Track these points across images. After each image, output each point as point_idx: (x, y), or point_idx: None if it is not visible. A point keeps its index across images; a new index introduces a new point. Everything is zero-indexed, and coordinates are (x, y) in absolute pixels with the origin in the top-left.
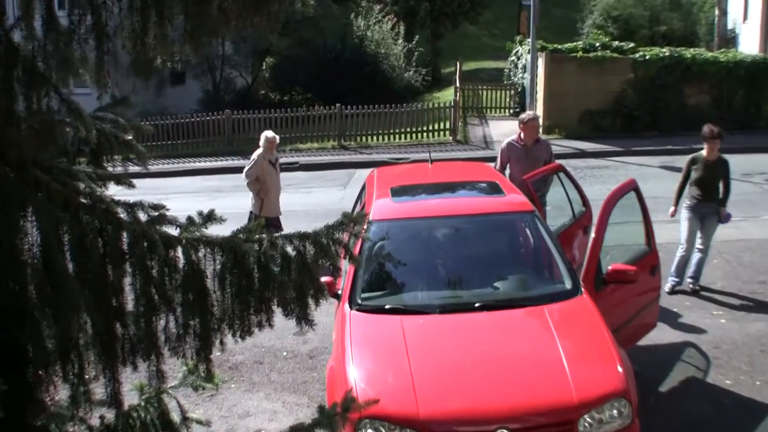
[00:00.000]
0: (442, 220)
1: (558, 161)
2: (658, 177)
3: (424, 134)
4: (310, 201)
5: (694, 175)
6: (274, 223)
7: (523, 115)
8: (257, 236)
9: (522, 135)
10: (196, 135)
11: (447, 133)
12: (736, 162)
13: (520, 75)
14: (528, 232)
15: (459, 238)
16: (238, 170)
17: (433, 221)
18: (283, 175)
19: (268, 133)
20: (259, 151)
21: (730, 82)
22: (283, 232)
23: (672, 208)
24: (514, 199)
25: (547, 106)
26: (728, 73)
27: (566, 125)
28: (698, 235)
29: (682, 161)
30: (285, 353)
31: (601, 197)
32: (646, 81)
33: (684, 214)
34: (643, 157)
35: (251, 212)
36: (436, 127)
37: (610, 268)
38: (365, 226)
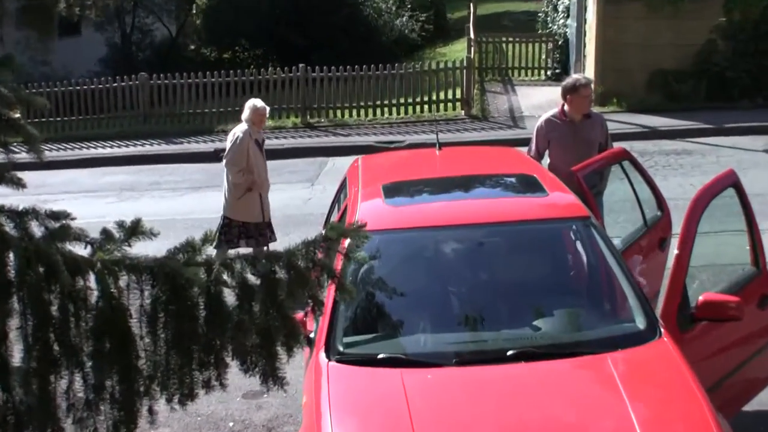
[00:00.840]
0: (456, 231)
1: (618, 145)
2: (764, 165)
3: (425, 107)
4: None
5: None
6: (261, 233)
7: (569, 80)
8: (204, 257)
9: (567, 107)
10: (96, 109)
11: (457, 105)
12: None
13: (561, 21)
14: (581, 247)
15: (482, 257)
16: (158, 159)
17: (445, 232)
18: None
19: (257, 102)
20: (243, 127)
21: None
22: (266, 248)
23: None
24: (560, 199)
25: (601, 65)
26: None
27: (628, 93)
28: None
29: None
30: (232, 424)
31: (681, 196)
32: (746, 27)
33: None
34: (740, 137)
35: (224, 217)
36: (442, 96)
37: (701, 298)
38: (353, 242)
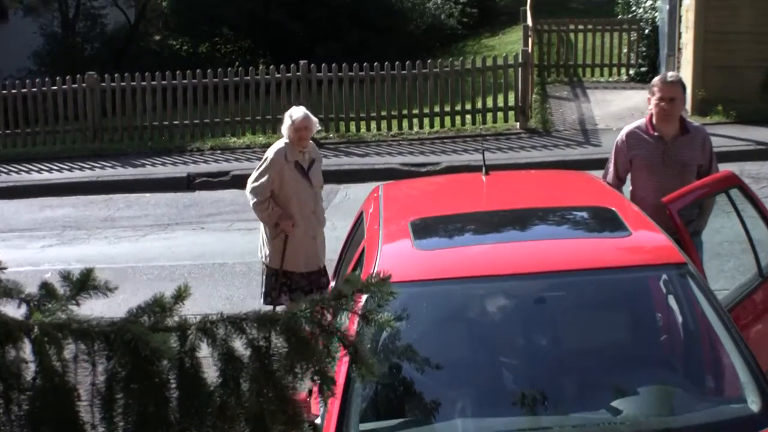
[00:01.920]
0: (508, 283)
1: (725, 167)
2: None
3: (468, 117)
4: (252, 247)
5: None
6: (308, 285)
7: (657, 79)
8: (177, 320)
9: (655, 117)
10: (30, 120)
11: (510, 115)
12: None
13: (649, 3)
14: (674, 303)
15: (542, 317)
16: (111, 187)
17: (492, 284)
18: (206, 199)
19: (294, 112)
20: (279, 145)
21: None
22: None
23: None
24: (646, 240)
25: (702, 62)
26: None
27: (738, 98)
28: None
29: None
30: None
31: None
32: None
33: None
34: None
35: (266, 266)
36: (490, 104)
37: None
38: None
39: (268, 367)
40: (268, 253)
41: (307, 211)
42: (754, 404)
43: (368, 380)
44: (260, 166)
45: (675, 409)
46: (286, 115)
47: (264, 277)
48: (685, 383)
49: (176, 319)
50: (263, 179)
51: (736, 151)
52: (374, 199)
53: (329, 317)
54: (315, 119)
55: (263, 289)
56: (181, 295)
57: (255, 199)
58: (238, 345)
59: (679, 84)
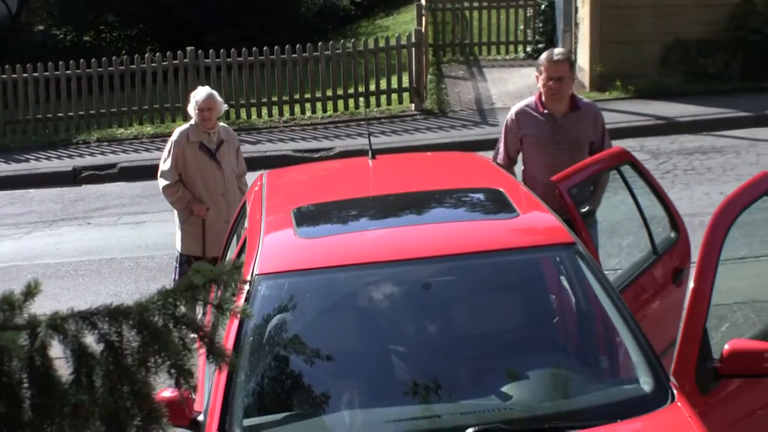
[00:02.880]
0: (395, 269)
1: (618, 144)
2: None
3: (361, 101)
4: (140, 242)
5: None
6: None
7: (543, 57)
8: (25, 317)
9: (544, 96)
10: None
11: (405, 96)
12: None
13: None
14: (565, 285)
15: (432, 303)
16: None
17: (379, 271)
18: (92, 193)
19: (198, 93)
20: (183, 127)
21: None
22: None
23: None
24: (534, 220)
25: (599, 36)
26: None
27: (637, 73)
28: None
29: None
30: None
31: (709, 210)
32: None
33: None
34: None
35: (180, 254)
36: (384, 86)
37: (726, 347)
38: (243, 289)
39: (121, 362)
40: (179, 239)
41: (217, 194)
42: (646, 384)
43: (251, 373)
44: (165, 151)
45: (567, 392)
46: (193, 94)
47: (176, 264)
48: (577, 365)
49: (26, 316)
50: (169, 162)
51: (636, 126)
52: (257, 188)
53: (182, 309)
54: (220, 100)
55: (175, 276)
56: (31, 292)
57: (164, 183)
58: (92, 341)
59: (567, 62)
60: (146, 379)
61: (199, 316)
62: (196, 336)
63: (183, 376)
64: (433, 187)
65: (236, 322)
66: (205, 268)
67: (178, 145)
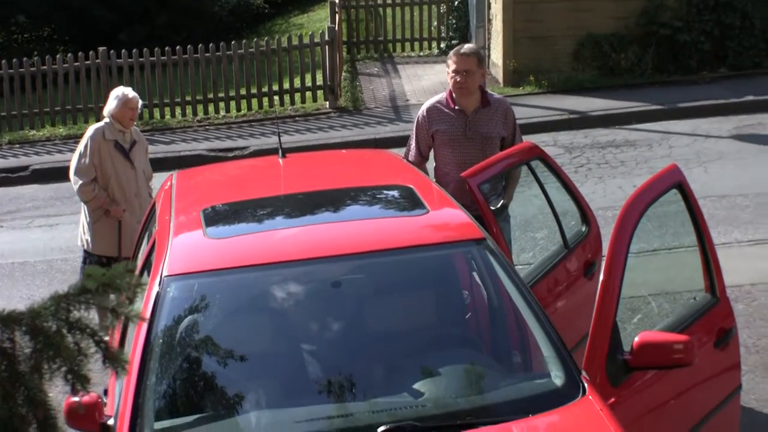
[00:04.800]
0: (308, 268)
1: (532, 139)
2: (733, 156)
3: (276, 99)
4: (54, 244)
5: None
6: None
7: (452, 51)
8: None
9: (453, 90)
10: None
11: (319, 94)
12: None
13: None
14: (476, 280)
15: (343, 302)
16: None
17: (289, 270)
18: (4, 195)
19: (126, 91)
20: (98, 125)
21: None
22: None
23: None
24: (443, 217)
25: (512, 32)
26: None
27: (550, 67)
28: None
29: None
30: None
31: (622, 205)
32: None
33: None
34: (700, 120)
35: (85, 251)
36: (298, 84)
37: (636, 340)
38: (138, 292)
39: (14, 369)
40: (89, 239)
41: (130, 193)
42: (558, 378)
43: (162, 375)
44: (79, 149)
45: (480, 387)
46: (117, 93)
47: (85, 265)
48: (489, 361)
49: None
50: (85, 160)
51: (550, 121)
52: (167, 189)
53: (81, 313)
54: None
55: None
56: None
57: (80, 181)
58: None
59: (475, 56)
60: (41, 385)
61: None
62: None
63: (79, 381)
64: (343, 185)
65: (145, 325)
66: (98, 272)
67: (94, 142)
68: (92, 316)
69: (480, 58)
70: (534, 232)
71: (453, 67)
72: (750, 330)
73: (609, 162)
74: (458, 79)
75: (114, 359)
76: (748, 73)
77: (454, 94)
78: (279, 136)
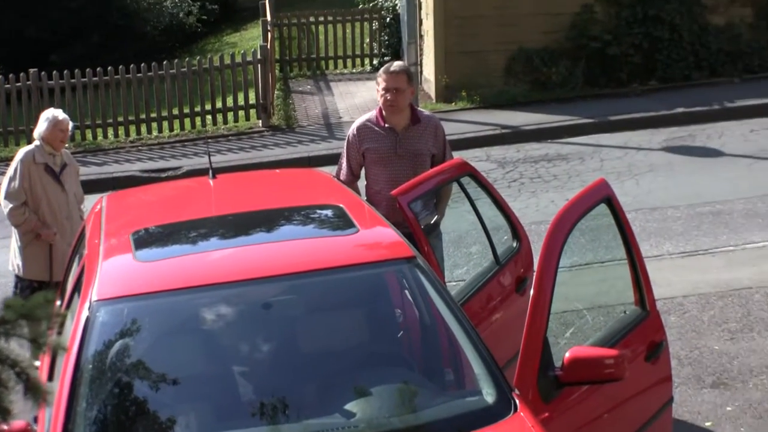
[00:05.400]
0: (238, 290)
1: (465, 154)
2: (664, 168)
3: (209, 118)
4: None
5: None
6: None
7: (382, 69)
8: None
9: (383, 108)
10: None
11: (252, 113)
12: None
13: None
14: (407, 299)
15: (274, 323)
16: None
17: (222, 293)
18: None
19: (57, 113)
20: (28, 148)
21: None
22: None
23: None
24: (373, 236)
25: (444, 47)
26: None
27: (482, 83)
28: None
29: (707, 135)
30: None
31: (550, 220)
32: None
33: None
34: (631, 133)
35: (16, 276)
36: (231, 103)
37: (567, 355)
38: (58, 322)
39: None
40: (20, 263)
41: (61, 216)
42: (489, 396)
43: (93, 400)
44: (9, 172)
45: (412, 406)
46: (47, 115)
47: (17, 290)
48: (421, 379)
49: None
50: (15, 183)
51: (482, 136)
52: (96, 212)
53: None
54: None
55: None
56: None
57: (10, 205)
58: None
59: (404, 74)
60: None
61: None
62: (13, 371)
63: (0, 414)
64: (273, 206)
65: (75, 350)
66: (17, 303)
67: (24, 165)
68: (22, 345)
69: (410, 75)
70: (468, 248)
71: (383, 85)
72: (682, 342)
73: (541, 176)
74: (388, 97)
75: (35, 390)
76: (677, 85)
77: (384, 112)
78: (209, 157)
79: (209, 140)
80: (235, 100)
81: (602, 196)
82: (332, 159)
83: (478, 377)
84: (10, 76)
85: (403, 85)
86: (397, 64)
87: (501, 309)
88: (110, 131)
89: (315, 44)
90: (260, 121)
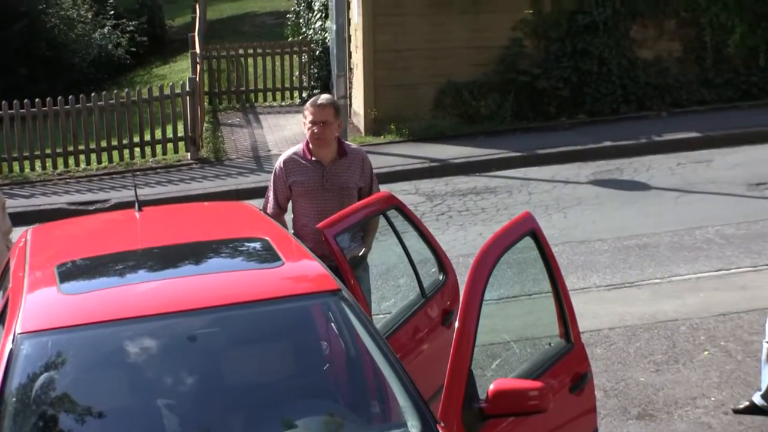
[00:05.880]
0: (163, 322)
1: (390, 188)
2: (591, 201)
3: (137, 150)
4: None
5: None
6: None
7: (309, 102)
8: None
9: (310, 141)
10: None
11: (181, 145)
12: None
13: (318, 24)
14: (333, 331)
15: (200, 356)
16: None
17: (147, 326)
18: None
19: None
20: None
21: (720, 11)
22: None
23: None
24: (298, 269)
25: (373, 80)
26: None
27: (411, 116)
28: None
29: (634, 168)
30: None
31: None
32: (559, 20)
33: None
34: (560, 166)
35: None
36: (159, 135)
37: (491, 387)
38: None
39: None
40: None
41: None
42: (414, 428)
43: None
44: None
45: None
46: None
47: None
48: (346, 412)
49: None
50: None
51: (411, 169)
52: (21, 246)
53: None
54: None
55: None
56: None
57: None
58: None
59: (331, 107)
60: None
61: None
62: None
63: None
64: (199, 238)
65: None
66: None
67: None
68: None
69: (337, 108)
70: (395, 281)
71: (310, 118)
72: (608, 374)
73: (470, 209)
74: (315, 130)
75: None
76: (606, 119)
77: (311, 145)
78: (135, 189)
79: (137, 173)
80: (164, 132)
81: (527, 229)
82: (261, 192)
83: (403, 409)
84: None
85: (330, 118)
86: (324, 97)
87: (427, 341)
88: (38, 163)
89: (244, 77)
90: (189, 153)
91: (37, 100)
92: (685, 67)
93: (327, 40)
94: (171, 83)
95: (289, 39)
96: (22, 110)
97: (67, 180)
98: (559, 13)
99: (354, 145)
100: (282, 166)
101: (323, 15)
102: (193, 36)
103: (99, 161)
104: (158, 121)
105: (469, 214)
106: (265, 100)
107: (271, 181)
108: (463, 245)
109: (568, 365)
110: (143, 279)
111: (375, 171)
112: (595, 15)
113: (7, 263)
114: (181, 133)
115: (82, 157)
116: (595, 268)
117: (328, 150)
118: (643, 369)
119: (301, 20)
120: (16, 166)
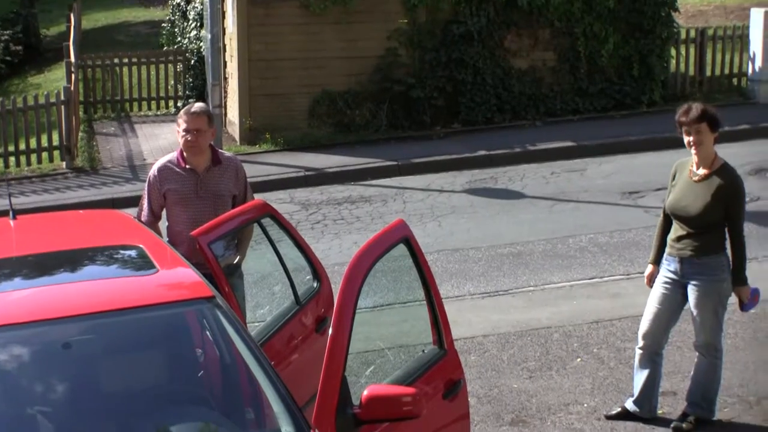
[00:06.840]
0: (38, 330)
1: (269, 196)
2: (466, 210)
3: (12, 159)
4: None
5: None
6: None
7: (182, 110)
8: None
9: (183, 147)
10: None
11: (56, 154)
12: (613, 171)
13: (194, 33)
14: (208, 338)
15: (75, 363)
16: None
17: (21, 333)
18: None
19: None
20: None
21: (593, 21)
22: None
23: (649, 269)
24: (172, 276)
25: (248, 90)
26: (588, 5)
27: (286, 125)
28: (672, 322)
29: (509, 177)
30: None
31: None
32: (434, 30)
33: (657, 280)
34: (434, 175)
35: None
36: (34, 144)
37: (365, 393)
38: None
39: None
40: None
41: None
42: (287, 431)
43: None
44: None
45: None
46: None
47: None
48: (221, 418)
49: None
50: None
51: (286, 178)
52: None
53: None
54: None
55: None
56: None
57: None
58: None
59: (205, 115)
60: None
61: None
62: None
63: None
64: (74, 246)
65: None
66: None
67: None
68: None
69: (210, 116)
70: (270, 288)
71: (184, 126)
72: (482, 380)
73: (345, 218)
74: (189, 138)
75: None
76: (480, 128)
77: (185, 153)
78: (9, 198)
79: (11, 182)
80: (39, 141)
81: (400, 236)
82: (136, 201)
83: (278, 415)
84: None
85: (203, 126)
86: (197, 106)
87: (301, 348)
88: None
89: (119, 86)
90: (64, 162)
91: None
92: (560, 76)
93: (202, 50)
94: (46, 92)
95: (164, 48)
96: None
97: None
98: (434, 23)
99: (228, 154)
100: (156, 174)
101: (198, 24)
102: (68, 45)
103: None
104: (33, 130)
105: (344, 222)
106: (140, 109)
107: (146, 189)
108: (338, 254)
109: (441, 372)
110: (17, 287)
111: (250, 180)
112: (469, 25)
113: None
114: (56, 142)
115: None
116: (469, 276)
117: (202, 158)
118: (517, 376)
119: (176, 29)
120: None
